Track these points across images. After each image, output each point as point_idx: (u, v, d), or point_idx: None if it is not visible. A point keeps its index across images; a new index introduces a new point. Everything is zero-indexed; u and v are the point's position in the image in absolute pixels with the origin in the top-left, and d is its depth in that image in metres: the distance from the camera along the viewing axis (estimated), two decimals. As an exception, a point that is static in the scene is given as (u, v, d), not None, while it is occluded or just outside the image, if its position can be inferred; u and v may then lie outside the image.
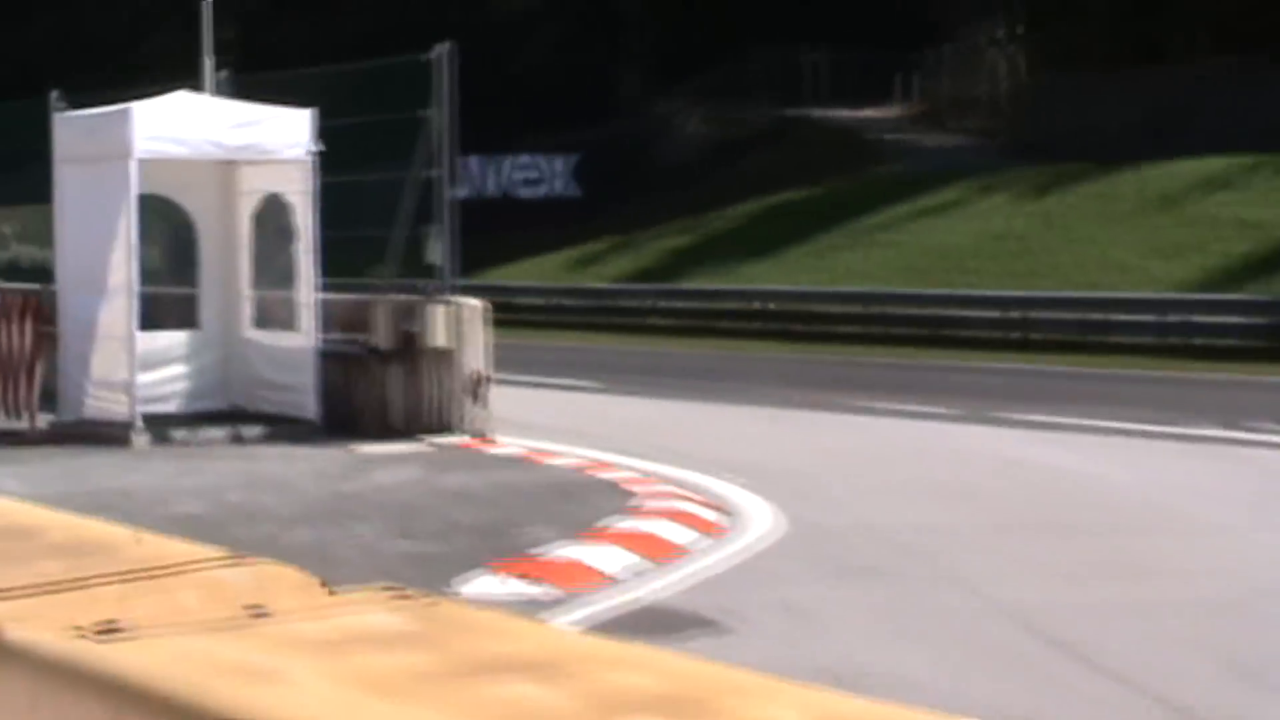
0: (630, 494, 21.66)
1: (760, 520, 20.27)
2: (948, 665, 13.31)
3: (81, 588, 4.64)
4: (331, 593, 4.69)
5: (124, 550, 5.20)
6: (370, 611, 4.48)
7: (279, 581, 4.78)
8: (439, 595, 4.63)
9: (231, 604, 4.48)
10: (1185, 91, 57.42)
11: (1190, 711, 12.20)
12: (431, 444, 26.58)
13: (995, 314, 50.54)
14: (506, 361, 29.91)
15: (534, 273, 62.50)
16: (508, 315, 41.37)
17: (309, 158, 27.59)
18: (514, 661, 3.94)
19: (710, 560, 17.99)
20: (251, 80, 30.80)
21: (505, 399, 28.36)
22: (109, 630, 4.22)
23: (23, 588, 4.63)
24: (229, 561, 4.97)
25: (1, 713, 4.26)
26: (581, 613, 15.12)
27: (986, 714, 10.86)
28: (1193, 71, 57.62)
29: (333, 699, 3.69)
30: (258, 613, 4.42)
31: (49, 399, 28.25)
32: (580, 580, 16.72)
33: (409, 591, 4.61)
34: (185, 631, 4.23)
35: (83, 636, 4.19)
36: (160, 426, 27.12)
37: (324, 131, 27.58)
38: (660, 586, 16.70)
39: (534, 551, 17.80)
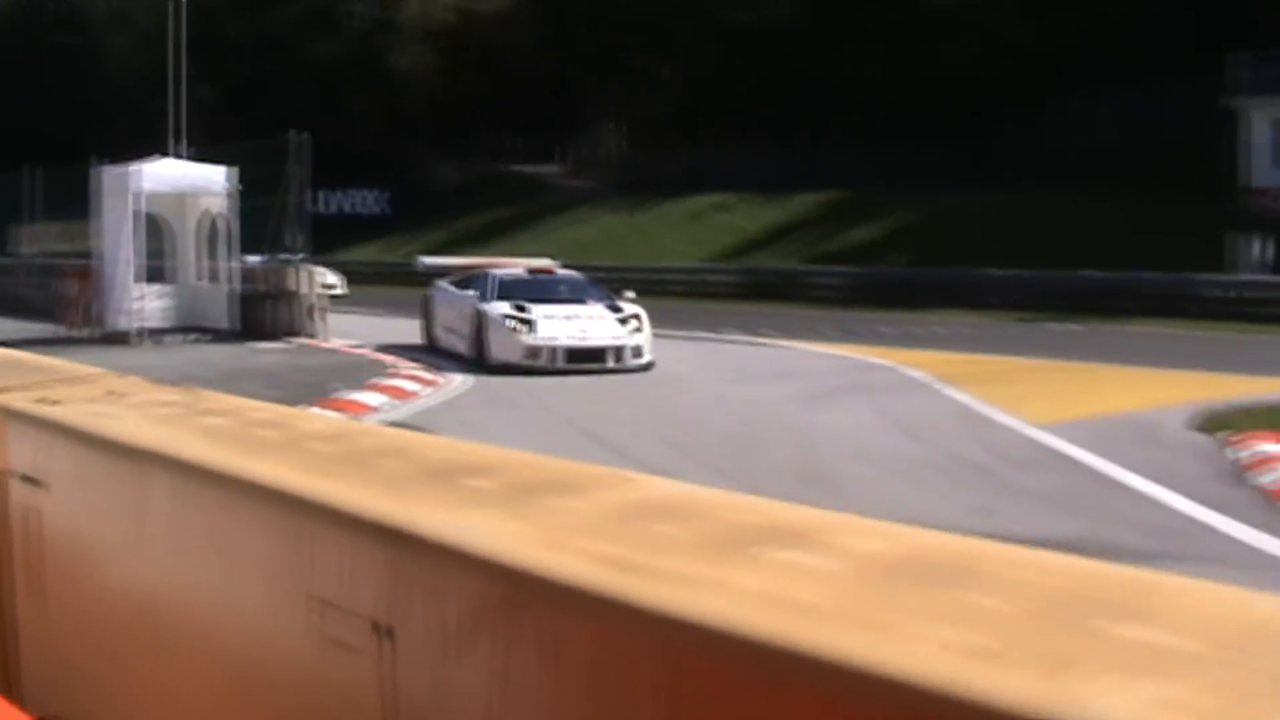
0: (393, 367, 21.84)
1: (459, 380, 20.66)
2: (541, 447, 13.89)
3: (41, 386, 5.01)
4: (155, 385, 5.25)
5: (66, 371, 5.69)
6: (170, 393, 4.82)
7: (136, 383, 5.12)
8: (204, 388, 5.17)
9: (106, 389, 4.90)
10: (710, 157, 57.97)
11: (648, 465, 12.65)
12: (290, 342, 26.78)
13: (604, 275, 51.11)
14: (342, 300, 30.34)
15: (363, 254, 62.16)
16: (348, 275, 41.76)
17: (230, 191, 27.88)
18: (215, 409, 4.37)
19: (428, 400, 18.41)
20: (201, 151, 30.94)
21: (335, 319, 28.65)
22: (49, 401, 4.64)
23: (14, 386, 5.13)
24: (118, 376, 5.52)
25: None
26: (358, 424, 15.48)
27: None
28: (712, 147, 58.18)
29: (140, 424, 4.10)
30: (118, 394, 4.78)
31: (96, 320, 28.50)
32: (358, 409, 17.02)
33: (192, 388, 5.16)
34: (83, 403, 4.60)
35: (32, 402, 4.63)
36: (152, 335, 27.41)
37: (241, 177, 27.95)
38: (399, 413, 17.08)
39: (336, 395, 18.08)
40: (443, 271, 27.54)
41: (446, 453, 3.64)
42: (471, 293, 23.86)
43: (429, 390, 19.29)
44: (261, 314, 27.94)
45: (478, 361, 22.27)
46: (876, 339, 28.75)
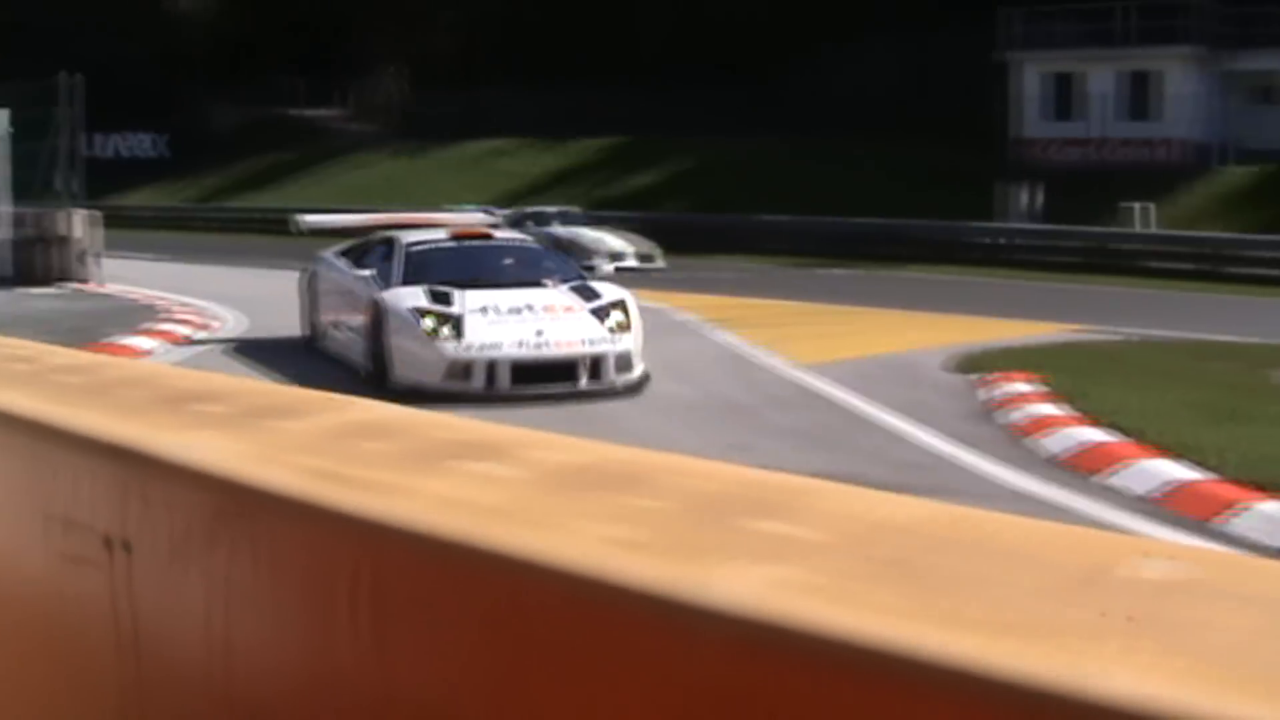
0: (167, 311, 21.75)
1: (238, 323, 20.74)
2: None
3: None
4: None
5: None
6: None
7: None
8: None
9: None
10: (491, 101, 57.67)
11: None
12: (63, 288, 26.45)
13: (388, 220, 51.01)
14: (119, 245, 29.94)
15: (140, 198, 61.02)
16: (122, 221, 41.02)
17: (0, 134, 27.46)
18: (13, 356, 4.56)
19: (204, 345, 18.50)
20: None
21: (112, 264, 28.27)
22: None
23: None
24: None
25: None
26: (129, 369, 15.38)
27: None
28: (493, 90, 57.87)
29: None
30: None
31: None
32: (129, 354, 16.75)
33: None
34: None
35: None
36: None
37: (11, 120, 27.51)
38: (174, 356, 17.06)
39: (106, 340, 17.87)
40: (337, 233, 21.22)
41: (184, 382, 3.87)
42: (367, 271, 16.21)
43: (207, 334, 19.27)
44: (32, 259, 27.52)
45: (377, 380, 14.52)
46: (650, 283, 28.92)
